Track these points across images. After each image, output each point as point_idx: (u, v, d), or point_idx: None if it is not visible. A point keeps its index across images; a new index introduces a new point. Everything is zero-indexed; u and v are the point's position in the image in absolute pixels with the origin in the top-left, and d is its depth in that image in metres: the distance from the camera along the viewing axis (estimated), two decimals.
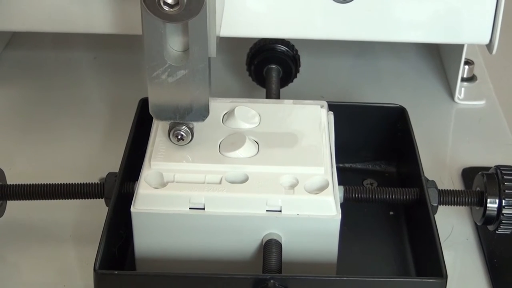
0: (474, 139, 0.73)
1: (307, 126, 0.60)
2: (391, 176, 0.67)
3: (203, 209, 0.54)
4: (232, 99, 0.62)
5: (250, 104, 0.61)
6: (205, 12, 0.51)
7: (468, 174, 0.67)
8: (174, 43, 0.54)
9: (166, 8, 0.50)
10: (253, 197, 0.54)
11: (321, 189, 0.55)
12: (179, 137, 0.56)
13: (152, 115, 0.56)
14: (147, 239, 0.55)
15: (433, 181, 0.59)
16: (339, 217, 0.54)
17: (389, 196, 0.58)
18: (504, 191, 0.57)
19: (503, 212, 0.57)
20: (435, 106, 0.76)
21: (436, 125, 0.74)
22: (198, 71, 0.54)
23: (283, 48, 0.72)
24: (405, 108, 0.65)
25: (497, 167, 0.58)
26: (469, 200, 0.58)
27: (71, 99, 0.76)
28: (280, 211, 0.54)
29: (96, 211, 0.59)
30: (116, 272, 0.52)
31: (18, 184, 0.58)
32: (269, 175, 0.55)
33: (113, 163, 0.60)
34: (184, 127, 0.56)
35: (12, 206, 0.60)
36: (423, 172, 0.59)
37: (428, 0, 0.67)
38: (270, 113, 0.61)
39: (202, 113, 0.55)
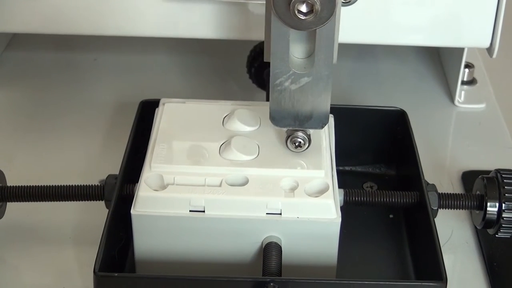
0: (474, 142, 0.73)
1: None
2: (391, 179, 0.67)
3: (203, 211, 0.54)
4: (233, 102, 0.62)
5: (250, 106, 0.61)
6: (334, 20, 0.51)
7: (468, 177, 0.67)
8: (296, 50, 0.54)
9: (300, 16, 0.50)
10: (253, 200, 0.54)
11: (321, 192, 0.55)
12: (296, 144, 0.57)
13: (272, 122, 0.56)
14: (147, 242, 0.55)
15: (433, 185, 0.59)
16: (339, 220, 0.54)
17: (389, 199, 0.58)
18: (504, 194, 0.57)
19: (503, 215, 0.57)
20: (435, 109, 0.76)
21: (436, 128, 0.74)
22: (322, 78, 0.54)
23: None
24: (405, 111, 0.65)
25: (497, 170, 0.58)
26: (469, 203, 0.58)
27: (71, 101, 0.76)
28: (280, 214, 0.54)
29: (96, 213, 0.59)
30: (116, 274, 0.52)
31: (18, 186, 0.58)
32: (269, 178, 0.55)
33: (113, 165, 0.60)
34: (301, 134, 0.57)
35: (12, 207, 0.60)
36: (423, 176, 0.59)
37: (428, 3, 0.68)
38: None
39: (322, 120, 0.56)
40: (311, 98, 0.55)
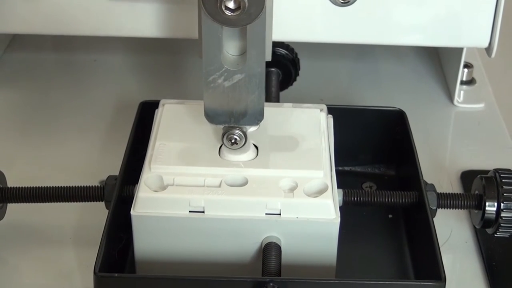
0: (473, 142, 0.73)
1: (306, 129, 0.60)
2: (390, 179, 0.67)
3: (203, 212, 0.54)
4: None
5: None
6: (264, 16, 0.51)
7: (467, 177, 0.67)
8: (230, 47, 0.54)
9: (227, 12, 0.50)
10: (253, 200, 0.54)
11: (320, 192, 0.55)
12: (232, 141, 0.56)
13: (207, 119, 0.56)
14: (147, 242, 0.55)
15: (432, 185, 0.59)
16: (338, 220, 0.54)
17: (388, 200, 0.59)
18: (503, 194, 0.57)
19: (501, 215, 0.57)
20: (434, 109, 0.77)
21: (435, 128, 0.74)
22: (254, 75, 0.54)
23: (282, 51, 0.72)
24: (404, 112, 0.65)
25: (496, 170, 0.58)
26: (468, 203, 0.58)
27: (71, 102, 0.76)
28: (280, 214, 0.54)
29: (96, 214, 0.59)
30: (116, 275, 0.52)
31: (19, 187, 0.58)
32: (269, 178, 0.55)
33: (113, 166, 0.61)
34: (238, 131, 0.56)
35: (13, 208, 0.60)
36: (422, 176, 0.59)
37: (427, 3, 0.68)
38: (270, 117, 0.61)
39: (257, 117, 0.56)
40: (244, 95, 0.55)
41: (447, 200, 0.59)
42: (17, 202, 0.59)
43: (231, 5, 0.50)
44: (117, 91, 0.78)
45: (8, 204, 0.60)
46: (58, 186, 0.58)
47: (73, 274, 0.58)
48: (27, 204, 0.59)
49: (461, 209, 0.59)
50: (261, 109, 0.55)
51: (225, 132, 0.56)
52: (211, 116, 0.56)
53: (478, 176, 0.59)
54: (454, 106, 0.77)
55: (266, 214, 0.54)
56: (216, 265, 0.55)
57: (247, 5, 0.50)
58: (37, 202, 0.59)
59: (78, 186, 0.58)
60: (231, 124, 0.56)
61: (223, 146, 0.58)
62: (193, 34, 0.64)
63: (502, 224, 0.57)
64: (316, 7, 0.67)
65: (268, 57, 0.54)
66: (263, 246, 0.54)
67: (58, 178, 0.65)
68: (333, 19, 0.68)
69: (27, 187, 0.58)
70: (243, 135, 0.56)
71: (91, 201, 0.59)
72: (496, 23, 0.68)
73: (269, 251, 0.54)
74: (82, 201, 0.59)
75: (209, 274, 0.55)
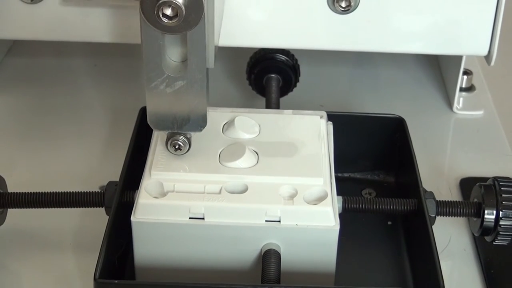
0: (473, 149, 0.73)
1: (306, 136, 0.60)
2: (389, 186, 0.67)
3: (203, 219, 0.54)
4: (232, 109, 0.63)
5: (250, 114, 0.62)
6: (204, 24, 0.51)
7: (466, 184, 0.67)
8: (172, 54, 0.54)
9: (165, 20, 0.50)
10: (253, 207, 0.54)
11: (320, 199, 0.55)
12: (176, 146, 0.57)
13: (150, 125, 0.56)
14: (147, 249, 0.55)
15: (431, 192, 0.59)
16: (338, 227, 0.54)
17: (387, 207, 0.59)
18: (502, 202, 0.57)
19: (500, 223, 0.57)
20: (433, 116, 0.77)
21: (434, 135, 0.74)
22: (196, 81, 0.54)
23: (283, 57, 0.73)
24: (403, 119, 0.66)
25: (495, 178, 0.58)
26: (467, 211, 0.59)
27: (71, 107, 0.77)
28: (279, 221, 0.54)
29: (96, 220, 0.59)
30: (116, 281, 0.52)
31: (19, 192, 0.59)
32: (269, 185, 0.56)
33: (114, 171, 0.61)
34: (182, 137, 0.56)
35: (13, 214, 0.61)
36: (421, 183, 0.60)
37: (427, 11, 0.68)
38: (270, 123, 0.61)
39: (200, 123, 0.56)
40: (186, 102, 0.55)
41: (446, 208, 0.59)
42: (17, 208, 0.59)
43: (168, 12, 0.50)
44: (117, 97, 0.78)
45: (8, 209, 0.60)
46: (58, 192, 0.59)
47: (73, 280, 0.58)
48: (27, 209, 0.59)
49: (460, 216, 0.59)
50: (203, 115, 0.55)
51: (169, 138, 0.57)
52: (154, 122, 0.56)
53: (477, 184, 0.59)
54: (454, 113, 0.77)
55: (265, 221, 0.54)
56: (216, 272, 0.55)
57: (184, 12, 0.50)
58: (37, 207, 0.59)
59: (78, 192, 0.59)
60: (174, 130, 0.56)
61: (222, 152, 0.58)
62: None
63: (501, 232, 0.57)
64: (316, 15, 0.68)
65: (211, 65, 0.54)
66: (262, 253, 0.54)
67: (58, 183, 0.65)
68: (333, 26, 0.68)
69: (27, 192, 0.59)
70: (186, 141, 0.56)
71: (91, 207, 0.59)
72: (495, 31, 0.68)
73: (269, 258, 0.54)
74: (82, 207, 0.59)
75: (208, 281, 0.55)
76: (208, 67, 0.54)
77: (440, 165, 0.71)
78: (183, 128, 0.56)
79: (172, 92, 0.54)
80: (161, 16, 0.50)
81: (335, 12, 0.67)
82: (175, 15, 0.50)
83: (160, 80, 0.54)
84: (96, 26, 0.69)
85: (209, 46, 0.53)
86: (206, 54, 0.53)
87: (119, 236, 0.56)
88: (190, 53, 0.53)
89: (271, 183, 0.56)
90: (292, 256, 0.55)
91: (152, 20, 0.50)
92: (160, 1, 0.49)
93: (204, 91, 0.54)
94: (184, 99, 0.55)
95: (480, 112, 0.77)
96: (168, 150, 0.57)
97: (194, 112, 0.55)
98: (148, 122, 0.56)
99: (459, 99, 0.78)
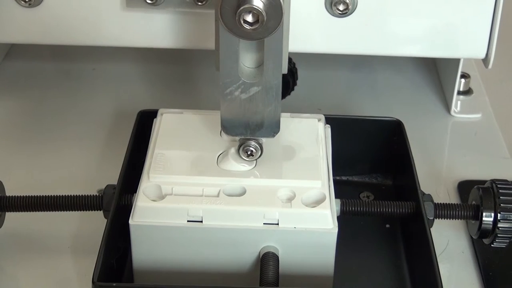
0: (470, 152, 0.73)
1: (304, 139, 0.60)
2: (387, 189, 0.67)
3: (201, 221, 0.54)
4: None
5: None
6: (281, 29, 0.51)
7: (464, 187, 0.68)
8: (246, 59, 0.55)
9: (246, 26, 0.50)
10: (251, 210, 0.54)
11: (318, 202, 0.55)
12: (249, 152, 0.57)
13: (223, 131, 0.57)
14: (145, 251, 0.55)
15: (429, 195, 0.59)
16: (336, 230, 0.54)
17: (385, 210, 0.59)
18: (500, 205, 0.57)
19: (498, 225, 0.57)
20: (431, 119, 0.77)
21: (432, 138, 0.74)
22: (271, 87, 0.54)
23: None
24: (401, 122, 0.66)
25: (493, 181, 0.58)
26: (465, 213, 0.59)
27: (70, 110, 0.77)
28: (277, 224, 0.54)
29: (94, 223, 0.59)
30: (114, 284, 0.52)
31: (17, 196, 0.59)
32: (267, 188, 0.56)
33: (112, 175, 0.61)
34: (254, 143, 0.57)
35: (11, 217, 0.61)
36: (419, 186, 0.60)
37: (424, 14, 0.68)
38: None
39: (273, 129, 0.56)
40: (261, 108, 0.55)
41: (444, 211, 0.59)
42: (16, 211, 0.59)
43: (249, 18, 0.50)
44: (115, 100, 0.78)
45: (6, 213, 0.60)
46: (57, 195, 0.59)
47: (71, 283, 0.58)
48: (26, 213, 0.59)
49: (458, 219, 0.59)
50: (277, 121, 0.56)
51: (241, 144, 0.57)
52: (227, 128, 0.56)
53: (475, 186, 0.59)
54: (451, 116, 0.77)
55: (264, 224, 0.54)
56: (214, 274, 0.55)
57: (265, 18, 0.50)
58: (36, 211, 0.59)
59: (76, 195, 0.59)
60: (247, 136, 0.56)
61: (221, 155, 0.58)
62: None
63: (499, 235, 0.57)
64: (314, 18, 0.68)
65: (285, 70, 0.55)
66: (261, 255, 0.54)
67: (57, 187, 0.65)
68: (331, 30, 0.68)
69: (26, 196, 0.59)
70: (259, 147, 0.57)
71: (89, 210, 0.59)
72: (493, 34, 0.69)
73: (267, 260, 0.54)
74: (81, 210, 0.59)
75: (207, 284, 0.55)
76: (282, 72, 0.54)
77: (438, 168, 0.71)
78: (256, 134, 0.56)
79: (246, 98, 0.55)
80: (242, 22, 0.50)
81: (333, 15, 0.67)
82: (256, 21, 0.50)
83: (235, 86, 0.54)
84: (96, 29, 0.69)
85: (284, 51, 0.54)
86: (282, 60, 0.53)
87: (118, 239, 0.56)
88: (266, 58, 0.53)
89: (269, 186, 0.56)
90: (291, 258, 0.55)
91: (232, 27, 0.51)
92: (242, 8, 0.49)
93: (279, 97, 0.55)
94: (258, 105, 0.55)
95: (478, 115, 0.78)
96: (240, 156, 0.57)
97: (268, 118, 0.56)
98: (221, 128, 0.57)
99: (457, 102, 0.78)
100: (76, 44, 0.71)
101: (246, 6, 0.49)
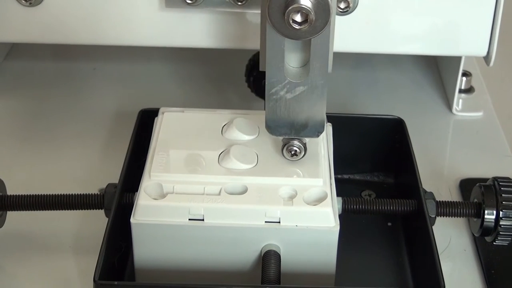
0: (472, 150, 0.73)
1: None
2: (389, 187, 0.67)
3: (203, 220, 0.54)
4: (231, 111, 0.62)
5: (249, 115, 0.62)
6: (329, 29, 0.51)
7: (466, 185, 0.68)
8: (290, 59, 0.55)
9: (295, 25, 0.50)
10: (252, 208, 0.54)
11: (319, 200, 0.55)
12: (292, 152, 0.57)
13: (268, 131, 0.57)
14: (146, 250, 0.55)
15: (431, 193, 0.59)
16: (338, 228, 0.54)
17: (387, 208, 0.59)
18: (502, 202, 0.57)
19: (500, 223, 0.57)
20: (433, 118, 0.77)
21: (434, 136, 0.74)
22: (317, 87, 0.54)
23: None
24: (403, 120, 0.66)
25: (495, 178, 0.58)
26: (467, 211, 0.59)
27: (71, 110, 0.77)
28: (279, 222, 0.54)
29: (96, 222, 0.59)
30: (115, 283, 0.52)
31: (18, 195, 0.59)
32: (268, 186, 0.56)
33: (113, 173, 0.61)
34: (297, 143, 0.57)
35: (12, 216, 0.61)
36: (421, 184, 0.60)
37: (426, 12, 0.68)
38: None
39: (318, 129, 0.56)
40: (306, 107, 0.55)
41: (446, 208, 0.59)
42: (17, 210, 0.59)
43: (298, 18, 0.50)
44: (116, 99, 0.78)
45: (8, 212, 0.60)
46: (58, 194, 0.59)
47: (73, 282, 0.58)
48: (27, 212, 0.59)
49: (460, 217, 0.59)
50: (322, 120, 0.56)
51: (285, 144, 0.57)
52: (272, 128, 0.56)
53: (477, 184, 0.59)
54: (453, 115, 0.77)
55: (265, 222, 0.54)
56: (216, 273, 0.55)
57: (314, 18, 0.50)
58: (37, 210, 0.59)
59: (77, 194, 0.59)
60: (291, 136, 0.56)
61: (222, 153, 0.58)
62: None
63: (501, 232, 0.57)
64: None
65: (330, 69, 0.55)
66: (262, 254, 0.54)
67: (58, 186, 0.65)
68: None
69: (27, 195, 0.59)
70: (302, 147, 0.57)
71: (91, 209, 0.59)
72: (494, 31, 0.68)
73: (269, 259, 0.54)
74: (82, 209, 0.59)
75: (208, 282, 0.55)
76: (328, 72, 0.54)
77: (440, 166, 0.71)
78: (300, 134, 0.56)
79: (292, 98, 0.55)
80: (290, 22, 0.50)
81: None
82: (305, 20, 0.50)
83: (281, 86, 0.54)
84: (97, 28, 0.69)
85: (330, 51, 0.53)
86: (328, 60, 0.53)
87: (119, 237, 0.56)
88: (313, 58, 0.53)
89: (270, 184, 0.56)
90: (292, 257, 0.55)
91: (280, 26, 0.51)
92: (290, 7, 0.49)
93: (325, 96, 0.55)
94: (303, 105, 0.55)
95: (479, 113, 0.77)
96: (284, 156, 0.57)
97: (312, 118, 0.56)
98: (266, 128, 0.57)
99: (459, 101, 0.78)
100: (76, 43, 0.71)
101: (295, 5, 0.50)
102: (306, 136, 0.57)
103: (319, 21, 0.50)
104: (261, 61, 0.55)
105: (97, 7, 0.68)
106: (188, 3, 0.66)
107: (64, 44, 0.72)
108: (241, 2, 0.65)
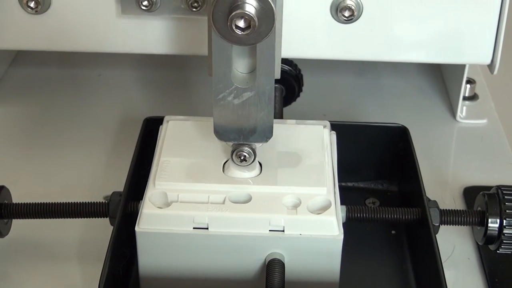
0: (476, 158, 0.73)
1: (310, 146, 0.60)
2: (393, 195, 0.67)
3: (207, 228, 0.54)
4: None
5: None
6: (274, 35, 0.51)
7: (470, 193, 0.68)
8: (239, 65, 0.55)
9: (238, 31, 0.50)
10: (256, 217, 0.54)
11: (323, 209, 0.55)
12: (242, 158, 0.57)
13: (216, 136, 0.57)
14: (151, 259, 0.55)
15: (434, 201, 0.59)
16: (342, 237, 0.54)
17: (391, 216, 0.59)
18: (505, 211, 0.57)
19: (504, 232, 0.57)
20: (437, 125, 0.77)
21: (438, 144, 0.74)
22: (264, 92, 0.54)
23: (286, 67, 0.73)
24: (407, 128, 0.66)
25: (498, 187, 0.58)
26: (471, 220, 0.59)
27: (76, 117, 0.77)
28: (283, 231, 0.54)
29: (100, 230, 0.59)
30: None
31: (24, 203, 0.59)
32: (272, 195, 0.56)
33: (118, 182, 0.61)
34: (247, 148, 0.57)
35: (18, 224, 0.61)
36: (425, 192, 0.60)
37: (430, 20, 0.68)
38: (273, 133, 0.61)
39: (266, 134, 0.56)
40: (254, 113, 0.55)
41: (450, 217, 0.59)
42: (22, 218, 0.59)
43: (241, 24, 0.50)
44: (121, 107, 0.78)
45: (13, 219, 0.60)
46: (63, 202, 0.59)
47: None
48: (32, 220, 0.59)
49: (463, 225, 0.59)
50: (270, 126, 0.56)
51: (234, 149, 0.57)
52: (221, 133, 0.56)
53: (481, 192, 0.59)
54: (457, 122, 0.77)
55: (269, 230, 0.54)
56: (220, 281, 0.55)
57: (257, 24, 0.50)
58: (42, 218, 0.59)
59: (82, 202, 0.59)
60: (240, 141, 0.56)
61: (227, 162, 0.58)
62: (201, 51, 0.64)
63: (504, 241, 0.57)
64: (319, 24, 0.68)
65: (278, 75, 0.55)
66: (266, 262, 0.54)
67: (63, 194, 0.65)
68: (337, 36, 0.68)
69: (32, 203, 0.59)
70: (252, 152, 0.57)
71: (95, 217, 0.59)
72: (498, 39, 0.68)
73: (273, 267, 0.54)
74: (87, 217, 0.59)
75: None
76: (275, 77, 0.54)
77: (444, 174, 0.71)
78: (249, 139, 0.56)
79: (239, 104, 0.55)
80: (234, 28, 0.50)
81: (338, 21, 0.67)
82: (248, 26, 0.50)
83: (228, 91, 0.54)
84: (102, 36, 0.70)
85: (277, 57, 0.54)
86: (274, 65, 0.53)
87: (124, 246, 0.56)
88: (259, 64, 0.53)
89: (274, 192, 0.56)
90: (296, 265, 0.55)
91: (224, 32, 0.51)
92: (233, 13, 0.50)
93: (272, 102, 0.55)
94: (251, 110, 0.55)
95: (484, 121, 0.78)
96: (233, 162, 0.57)
97: (260, 123, 0.56)
98: (214, 133, 0.57)
99: (462, 108, 0.78)
100: (82, 50, 0.71)
101: (238, 11, 0.50)
102: (255, 141, 0.57)
103: (263, 27, 0.51)
104: (208, 66, 0.55)
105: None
106: (144, 10, 0.66)
107: (69, 51, 0.73)
108: (195, 8, 0.66)
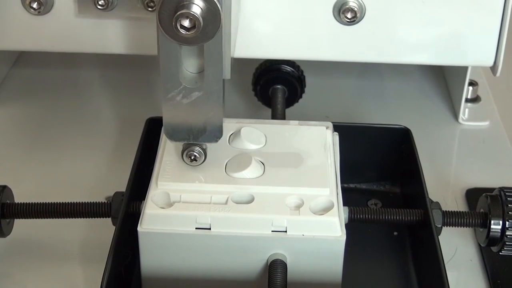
0: (478, 159, 0.73)
1: (312, 147, 0.60)
2: (395, 196, 0.67)
3: (209, 229, 0.54)
4: (238, 120, 0.63)
5: (256, 124, 0.62)
6: (220, 35, 0.51)
7: (472, 195, 0.68)
8: (189, 65, 0.54)
9: (183, 31, 0.50)
10: (259, 217, 0.54)
11: (326, 210, 0.55)
12: (192, 157, 0.57)
13: (166, 136, 0.56)
14: (153, 259, 0.55)
15: (437, 203, 0.59)
16: (344, 237, 0.54)
17: (393, 217, 0.59)
18: (508, 212, 0.57)
19: (506, 233, 0.57)
20: (439, 127, 0.77)
21: (440, 145, 0.74)
22: (212, 93, 0.54)
23: (288, 68, 0.73)
24: (409, 129, 0.66)
25: (501, 189, 0.58)
26: (473, 221, 0.59)
27: (78, 118, 0.77)
28: (286, 231, 0.54)
29: (103, 230, 0.59)
30: None
31: (26, 203, 0.59)
32: (275, 195, 0.56)
33: (120, 182, 0.61)
34: (197, 148, 0.57)
35: (20, 224, 0.61)
36: (428, 193, 0.60)
37: (432, 22, 0.68)
38: (276, 134, 0.61)
39: (216, 134, 0.56)
40: (203, 113, 0.55)
41: (452, 218, 0.59)
42: (24, 218, 0.59)
43: (186, 24, 0.50)
44: (124, 107, 0.78)
45: (15, 219, 0.60)
46: (65, 202, 0.59)
47: None
48: (34, 219, 0.59)
49: (466, 227, 0.59)
50: (219, 126, 0.56)
51: (185, 149, 0.57)
52: (171, 133, 0.56)
53: (483, 194, 0.59)
54: (459, 124, 0.77)
55: (272, 231, 0.54)
56: (222, 282, 0.55)
57: (202, 24, 0.50)
58: (44, 218, 0.59)
59: (85, 202, 0.59)
60: (190, 141, 0.56)
61: (229, 163, 0.58)
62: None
63: (507, 243, 0.57)
64: (322, 26, 0.68)
65: (227, 75, 0.55)
66: (269, 263, 0.54)
67: (65, 194, 0.65)
68: (339, 37, 0.68)
69: (34, 203, 0.59)
70: (202, 152, 0.57)
71: (98, 217, 0.59)
72: (501, 41, 0.68)
73: (275, 268, 0.54)
74: (89, 217, 0.59)
75: None
76: (224, 78, 0.54)
77: (446, 176, 0.71)
78: (199, 139, 0.56)
79: (188, 103, 0.55)
80: (179, 27, 0.50)
81: (341, 23, 0.67)
82: (193, 26, 0.50)
83: (176, 91, 0.54)
84: (105, 37, 0.70)
85: (226, 57, 0.53)
86: (222, 65, 0.53)
87: (126, 246, 0.56)
88: (207, 64, 0.53)
89: (277, 193, 0.56)
90: (299, 266, 0.55)
91: (170, 32, 0.51)
92: (178, 13, 0.49)
93: (221, 102, 0.55)
94: (200, 110, 0.55)
95: (486, 123, 0.78)
96: (184, 161, 0.57)
97: (210, 123, 0.56)
98: (164, 133, 0.56)
99: (465, 110, 0.78)
100: (86, 52, 0.71)
101: (182, 11, 0.49)
102: (205, 141, 0.57)
103: (209, 27, 0.50)
104: (158, 66, 0.54)
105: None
106: (100, 9, 0.66)
107: (72, 53, 0.73)
108: (151, 8, 0.66)
